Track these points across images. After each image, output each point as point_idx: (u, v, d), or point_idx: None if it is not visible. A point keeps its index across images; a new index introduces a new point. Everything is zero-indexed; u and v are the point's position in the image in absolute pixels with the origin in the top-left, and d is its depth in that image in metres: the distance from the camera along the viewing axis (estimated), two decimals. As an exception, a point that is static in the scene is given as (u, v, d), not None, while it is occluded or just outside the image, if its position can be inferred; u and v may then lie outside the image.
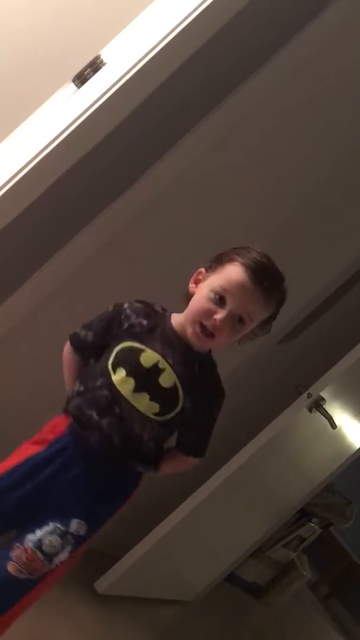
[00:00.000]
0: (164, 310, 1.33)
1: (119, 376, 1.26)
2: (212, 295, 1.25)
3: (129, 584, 2.43)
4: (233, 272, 1.24)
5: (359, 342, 2.44)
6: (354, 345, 2.44)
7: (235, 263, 1.25)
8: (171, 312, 1.33)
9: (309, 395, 2.41)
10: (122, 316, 1.31)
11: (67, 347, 1.39)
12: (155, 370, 1.25)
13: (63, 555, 1.24)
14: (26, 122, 1.71)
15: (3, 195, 1.66)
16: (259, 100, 1.87)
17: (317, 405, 2.41)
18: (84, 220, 1.83)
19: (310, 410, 2.41)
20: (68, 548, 1.25)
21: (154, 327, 1.29)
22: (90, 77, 1.66)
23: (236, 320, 1.24)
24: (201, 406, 1.30)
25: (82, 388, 1.31)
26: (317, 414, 2.43)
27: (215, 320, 1.23)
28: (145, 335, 1.28)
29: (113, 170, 1.78)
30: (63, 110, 1.67)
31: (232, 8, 1.65)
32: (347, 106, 2.09)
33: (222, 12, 1.64)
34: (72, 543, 1.25)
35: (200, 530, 2.53)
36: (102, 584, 2.36)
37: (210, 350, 1.33)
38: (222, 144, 1.90)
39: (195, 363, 1.28)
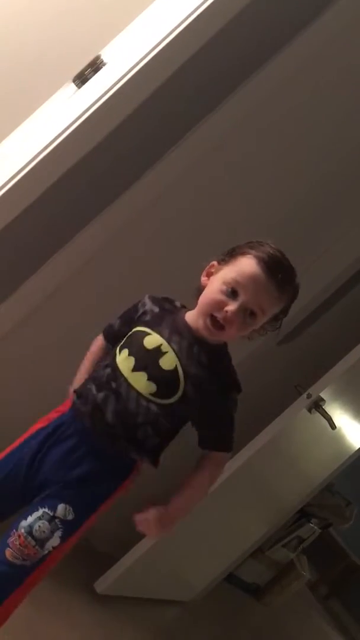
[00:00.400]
0: (183, 306, 1.35)
1: (122, 356, 1.29)
2: (224, 287, 1.25)
3: (129, 584, 2.42)
4: (246, 265, 1.25)
5: (359, 343, 2.43)
6: (354, 346, 2.43)
7: (249, 256, 1.25)
8: (188, 310, 1.34)
9: (309, 396, 2.40)
10: (140, 304, 1.35)
11: (97, 338, 1.44)
12: (157, 352, 1.26)
13: (54, 541, 1.25)
14: (27, 121, 1.72)
15: (3, 195, 1.66)
16: (257, 101, 1.88)
17: (317, 405, 2.40)
18: (85, 220, 1.84)
19: (309, 410, 2.40)
20: (58, 533, 1.25)
21: (165, 315, 1.32)
22: (90, 77, 1.67)
23: (247, 313, 1.24)
24: (211, 397, 1.28)
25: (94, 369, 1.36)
26: (317, 414, 2.42)
27: (226, 312, 1.23)
28: (154, 322, 1.31)
29: (113, 170, 1.78)
30: (63, 110, 1.68)
31: (231, 9, 1.66)
32: (348, 104, 2.10)
33: (222, 12, 1.65)
34: (60, 528, 1.25)
35: (200, 530, 2.52)
36: (102, 584, 2.35)
37: (226, 344, 1.33)
38: (222, 144, 1.91)
39: (203, 354, 1.28)
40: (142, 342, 1.28)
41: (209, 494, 2.34)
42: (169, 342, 1.27)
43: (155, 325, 1.30)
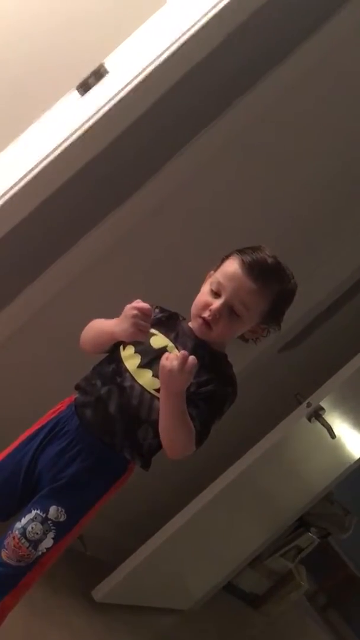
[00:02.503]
0: (184, 318, 1.40)
1: (127, 352, 1.33)
2: (209, 289, 1.32)
3: (127, 593, 2.41)
4: (228, 265, 1.32)
5: (359, 352, 2.44)
6: (354, 355, 2.43)
7: (232, 257, 1.32)
8: (189, 321, 1.38)
9: (309, 405, 2.40)
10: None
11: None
12: (163, 351, 1.27)
13: (47, 542, 1.27)
14: (30, 128, 1.72)
15: (5, 202, 1.66)
16: (261, 109, 1.89)
17: (317, 414, 2.41)
18: (85, 228, 1.84)
19: (309, 419, 2.41)
20: (51, 534, 1.27)
21: (172, 321, 1.37)
22: (93, 85, 1.68)
23: (232, 310, 1.29)
24: (209, 394, 1.29)
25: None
26: (317, 423, 2.42)
27: (210, 310, 1.29)
28: (161, 325, 1.35)
29: (115, 179, 1.79)
30: (67, 118, 1.68)
31: (235, 19, 1.67)
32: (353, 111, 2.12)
33: (226, 22, 1.66)
34: (53, 529, 1.27)
35: (198, 538, 2.52)
36: (99, 592, 2.34)
37: (226, 356, 1.37)
38: (225, 153, 1.92)
39: (207, 357, 1.31)
40: (149, 341, 1.32)
41: (207, 502, 2.38)
42: (174, 344, 1.32)
43: (162, 328, 1.35)
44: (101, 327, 1.38)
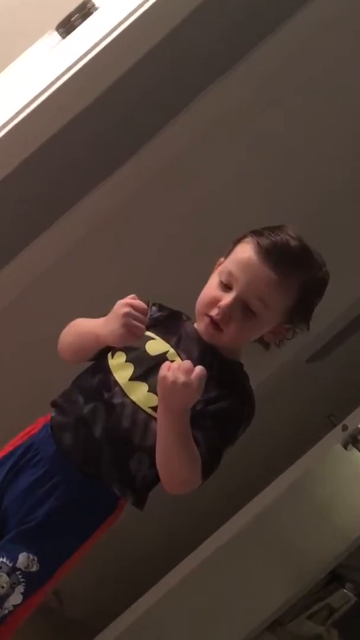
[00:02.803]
0: (189, 318, 1.40)
1: (116, 360, 1.33)
2: (218, 281, 1.31)
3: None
4: (241, 250, 1.31)
5: None
6: None
7: (247, 239, 1.32)
8: (195, 322, 1.38)
9: (345, 428, 2.41)
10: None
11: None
12: (162, 360, 1.27)
13: (15, 598, 1.26)
14: (-1, 77, 1.72)
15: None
16: (271, 67, 1.91)
17: (355, 440, 2.41)
18: (73, 197, 1.86)
19: (345, 446, 2.42)
20: (19, 588, 1.26)
21: (173, 322, 1.37)
22: (78, 25, 1.68)
23: (246, 307, 1.28)
24: (215, 407, 1.28)
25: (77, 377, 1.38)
26: (354, 450, 2.43)
27: (219, 307, 1.28)
28: (160, 326, 1.36)
29: (105, 141, 1.80)
30: (44, 64, 1.68)
31: None
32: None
33: None
34: (23, 582, 1.26)
35: (202, 596, 2.52)
36: (79, 662, 2.36)
37: (241, 365, 1.37)
38: (231, 116, 1.95)
39: (216, 366, 1.30)
40: (144, 347, 1.32)
41: (214, 550, 2.39)
42: (176, 350, 1.32)
43: (161, 330, 1.35)
44: (84, 328, 1.38)
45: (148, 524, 2.05)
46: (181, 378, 1.16)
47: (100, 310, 1.34)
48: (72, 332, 1.41)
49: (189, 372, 1.16)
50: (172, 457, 1.22)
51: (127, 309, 1.25)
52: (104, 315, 1.32)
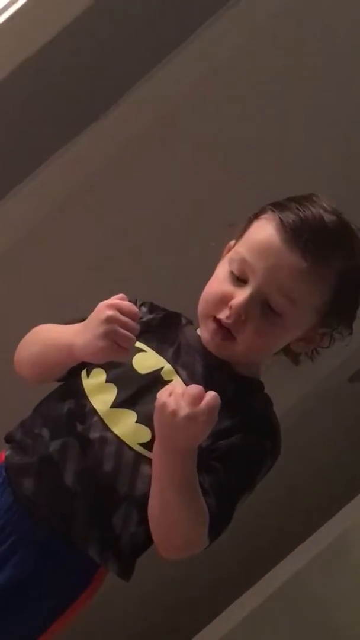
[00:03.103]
0: (190, 322, 1.40)
1: (94, 380, 1.31)
2: (227, 271, 1.30)
3: None
4: (257, 230, 1.30)
5: None
6: None
7: (265, 215, 1.30)
8: (198, 327, 1.37)
9: None
10: None
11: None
12: (154, 379, 1.28)
13: None
14: None
15: None
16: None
17: None
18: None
19: None
20: None
21: (169, 327, 1.37)
22: None
23: (266, 305, 1.26)
24: (227, 442, 1.27)
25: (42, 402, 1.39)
26: None
27: (230, 308, 1.26)
28: (152, 334, 1.35)
29: (91, 75, 1.91)
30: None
31: None
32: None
33: None
34: None
35: None
36: None
37: (262, 386, 1.35)
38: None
39: (230, 385, 1.29)
40: (131, 362, 1.31)
41: (231, 628, 2.35)
42: (173, 365, 1.31)
43: (153, 339, 1.35)
44: (52, 337, 1.36)
45: (138, 596, 2.10)
46: (185, 409, 1.11)
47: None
48: (35, 340, 1.39)
49: (196, 400, 1.11)
50: (171, 511, 1.19)
51: (111, 312, 1.21)
52: (80, 319, 1.31)
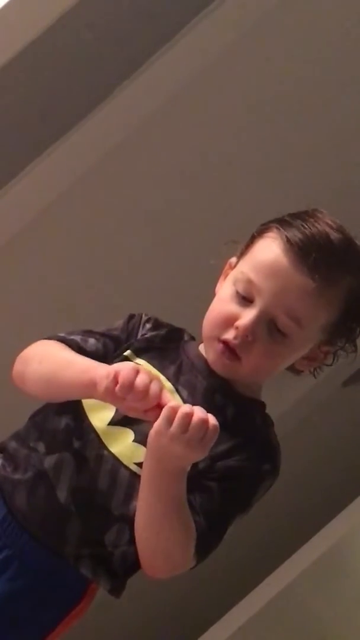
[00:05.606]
0: (192, 338, 1.40)
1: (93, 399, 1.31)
2: (233, 291, 1.30)
3: None
4: (262, 249, 1.29)
5: None
6: None
7: (270, 232, 1.30)
8: (200, 343, 1.37)
9: None
10: (134, 321, 1.39)
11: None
12: None
13: None
14: None
15: None
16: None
17: None
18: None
19: None
20: None
21: (170, 345, 1.37)
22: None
23: (273, 326, 1.26)
24: (224, 464, 1.26)
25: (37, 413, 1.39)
26: None
27: (237, 328, 1.25)
28: (154, 352, 1.35)
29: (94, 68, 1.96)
30: None
31: None
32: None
33: None
34: None
35: None
36: None
37: (263, 406, 1.36)
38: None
39: (231, 406, 1.30)
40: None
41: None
42: (174, 384, 1.30)
43: (155, 356, 1.34)
44: (70, 363, 1.30)
45: (129, 611, 2.06)
46: (175, 429, 1.11)
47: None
48: (48, 359, 1.34)
49: (187, 420, 1.11)
50: (158, 530, 1.20)
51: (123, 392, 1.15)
52: (82, 331, 1.35)
